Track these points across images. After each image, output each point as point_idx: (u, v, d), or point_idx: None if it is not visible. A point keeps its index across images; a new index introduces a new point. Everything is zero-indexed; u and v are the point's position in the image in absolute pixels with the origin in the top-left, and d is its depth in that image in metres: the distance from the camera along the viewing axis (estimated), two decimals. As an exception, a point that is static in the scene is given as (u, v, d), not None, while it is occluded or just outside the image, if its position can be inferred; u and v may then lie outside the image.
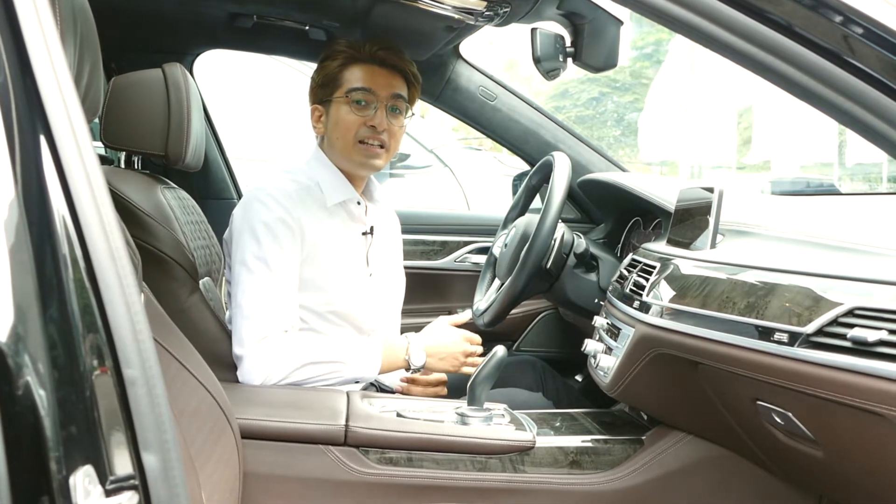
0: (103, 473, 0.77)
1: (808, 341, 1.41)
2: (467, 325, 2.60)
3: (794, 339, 1.44)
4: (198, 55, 3.43)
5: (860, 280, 1.41)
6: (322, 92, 2.34)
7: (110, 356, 0.79)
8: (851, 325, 1.34)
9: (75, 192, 0.79)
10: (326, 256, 2.25)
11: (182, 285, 2.16)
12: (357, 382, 2.24)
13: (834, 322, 1.38)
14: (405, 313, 2.62)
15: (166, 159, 2.18)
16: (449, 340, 2.36)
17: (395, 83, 2.31)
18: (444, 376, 2.41)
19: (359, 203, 2.36)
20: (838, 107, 1.24)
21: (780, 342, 1.47)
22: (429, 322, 2.47)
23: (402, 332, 2.54)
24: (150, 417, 0.80)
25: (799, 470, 1.82)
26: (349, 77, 2.29)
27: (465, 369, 2.35)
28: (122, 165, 2.43)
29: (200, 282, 2.25)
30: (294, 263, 2.18)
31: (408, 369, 2.30)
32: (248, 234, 2.17)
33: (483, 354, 2.06)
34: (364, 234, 2.37)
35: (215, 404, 1.58)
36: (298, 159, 2.41)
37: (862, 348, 1.31)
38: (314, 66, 2.40)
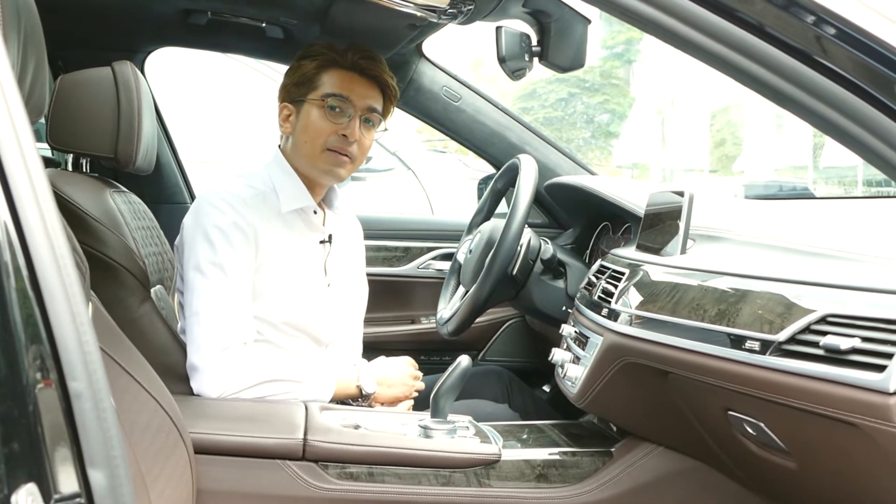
0: (47, 491, 0.76)
1: (780, 349, 1.42)
2: (431, 334, 2.60)
3: (765, 347, 1.45)
4: (149, 53, 3.42)
5: (833, 286, 1.42)
6: (295, 91, 2.30)
7: (55, 368, 0.79)
8: (824, 333, 1.35)
9: (17, 196, 0.78)
10: (281, 266, 2.23)
11: (132, 294, 2.14)
12: None
13: (806, 329, 1.39)
14: (367, 322, 2.61)
15: (116, 162, 2.16)
16: (396, 367, 2.40)
17: (371, 94, 2.29)
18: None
19: (316, 212, 2.34)
20: (810, 109, 1.25)
21: (751, 350, 1.48)
22: (391, 330, 2.47)
23: (364, 342, 2.54)
24: (96, 432, 0.79)
25: (772, 481, 1.83)
26: (326, 80, 2.26)
27: (414, 393, 2.41)
28: (70, 168, 2.41)
29: (152, 290, 2.23)
30: (249, 270, 2.17)
31: (357, 398, 2.30)
32: (201, 239, 2.15)
33: (447, 364, 2.06)
34: (322, 242, 2.35)
35: (167, 418, 1.57)
36: (256, 162, 2.39)
37: (835, 356, 1.32)
38: (271, 64, 2.39)
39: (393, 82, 2.34)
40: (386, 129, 2.38)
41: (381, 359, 2.44)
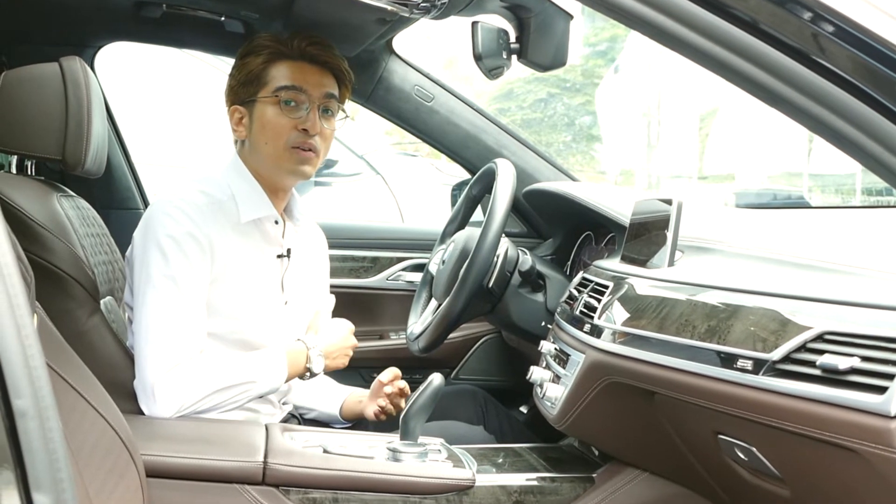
0: (-13, 517, 0.75)
1: (774, 369, 1.42)
2: (401, 351, 2.59)
3: (758, 366, 1.45)
4: (100, 48, 3.40)
5: (831, 302, 1.42)
6: (244, 91, 2.28)
7: (-2, 385, 0.78)
8: (821, 352, 1.35)
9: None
10: (236, 280, 2.22)
11: (81, 305, 2.12)
12: (261, 397, 2.24)
13: (802, 348, 1.39)
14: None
15: (63, 164, 2.15)
16: (341, 338, 2.40)
17: (326, 81, 2.29)
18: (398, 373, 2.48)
19: (276, 222, 2.32)
20: (806, 111, 1.25)
21: (743, 370, 1.48)
22: (359, 347, 2.44)
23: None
24: (42, 453, 0.78)
25: (764, 510, 1.83)
26: (276, 74, 2.25)
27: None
28: (14, 171, 2.39)
29: (101, 301, 2.22)
30: (203, 282, 2.15)
31: (302, 376, 2.29)
32: (154, 250, 2.13)
33: (418, 383, 2.05)
34: (280, 256, 2.34)
35: (117, 438, 1.55)
36: (213, 167, 2.37)
37: (832, 377, 1.32)
38: (231, 60, 2.37)
39: (345, 65, 2.34)
40: (346, 117, 2.37)
41: (324, 327, 2.41)
